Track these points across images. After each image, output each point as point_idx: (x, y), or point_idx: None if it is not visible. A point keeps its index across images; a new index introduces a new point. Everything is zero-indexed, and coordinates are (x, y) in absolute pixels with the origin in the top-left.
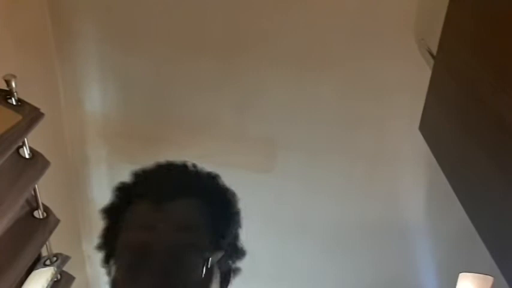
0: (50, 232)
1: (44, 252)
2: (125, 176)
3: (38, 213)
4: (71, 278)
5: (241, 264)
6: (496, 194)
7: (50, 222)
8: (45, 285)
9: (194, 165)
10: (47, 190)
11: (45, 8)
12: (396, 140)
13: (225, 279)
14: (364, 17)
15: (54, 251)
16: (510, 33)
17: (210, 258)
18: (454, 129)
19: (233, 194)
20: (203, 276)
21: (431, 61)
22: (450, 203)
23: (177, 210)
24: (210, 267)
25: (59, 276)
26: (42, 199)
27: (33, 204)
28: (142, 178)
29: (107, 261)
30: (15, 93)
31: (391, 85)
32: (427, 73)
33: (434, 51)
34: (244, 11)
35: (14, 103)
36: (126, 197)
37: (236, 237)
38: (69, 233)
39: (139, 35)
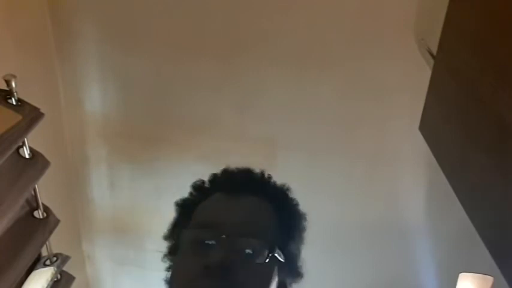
0: (50, 232)
1: (44, 252)
2: (125, 176)
3: (38, 213)
4: (71, 278)
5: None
6: (496, 194)
7: (50, 222)
8: (45, 285)
9: (270, 176)
10: (47, 190)
11: (45, 8)
12: (396, 140)
13: None
14: (364, 17)
15: (54, 251)
16: (510, 33)
17: (274, 251)
18: (454, 129)
19: (302, 212)
20: (265, 264)
21: (431, 61)
22: (450, 203)
23: (249, 202)
24: (272, 263)
25: (59, 276)
26: (42, 199)
27: (33, 204)
28: (222, 175)
29: (173, 252)
30: (15, 93)
31: (391, 85)
32: (427, 73)
33: (434, 51)
34: (244, 11)
35: (14, 103)
36: (202, 193)
37: (298, 253)
38: (69, 233)
39: (139, 35)
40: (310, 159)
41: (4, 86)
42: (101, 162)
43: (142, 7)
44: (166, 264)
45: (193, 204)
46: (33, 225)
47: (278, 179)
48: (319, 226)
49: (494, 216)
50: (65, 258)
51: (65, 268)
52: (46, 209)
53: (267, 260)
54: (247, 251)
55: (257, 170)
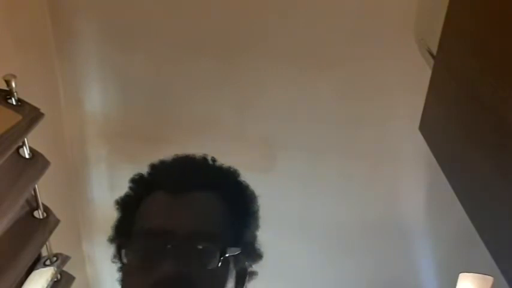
0: (50, 232)
1: (44, 252)
2: (125, 176)
3: (38, 213)
4: (71, 278)
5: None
6: (496, 194)
7: (50, 222)
8: (45, 285)
9: (213, 159)
10: (47, 190)
11: (45, 8)
12: (396, 140)
13: (240, 280)
14: (364, 17)
15: (54, 251)
16: (510, 33)
17: (227, 251)
18: (454, 129)
19: (253, 192)
20: (219, 266)
21: (431, 61)
22: (450, 203)
23: (197, 201)
24: (227, 261)
25: (59, 276)
26: (42, 199)
27: (33, 204)
28: (161, 169)
29: (119, 252)
30: (15, 93)
31: (391, 85)
32: (427, 73)
33: (434, 51)
34: (244, 11)
35: (14, 103)
36: (143, 188)
37: (254, 237)
38: (69, 233)
39: (139, 35)
40: (310, 159)
41: (4, 86)
42: (101, 162)
43: (142, 7)
44: (116, 265)
45: (136, 201)
46: (33, 225)
47: (278, 179)
48: (319, 226)
49: (494, 216)
50: (65, 258)
51: (65, 268)
52: (46, 209)
53: (223, 258)
54: (199, 257)
55: (198, 157)
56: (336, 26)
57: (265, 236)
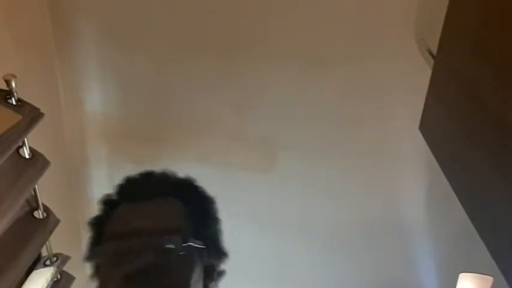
0: (50, 232)
1: (44, 252)
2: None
3: (38, 213)
4: (71, 278)
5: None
6: (496, 194)
7: (50, 222)
8: (45, 285)
9: (172, 172)
10: (47, 190)
11: (45, 8)
12: (396, 140)
13: (209, 276)
14: (364, 17)
15: (54, 251)
16: (510, 33)
17: (189, 241)
18: (454, 129)
19: (210, 197)
20: (184, 256)
21: (431, 61)
22: (450, 203)
23: (158, 205)
24: (190, 251)
25: (59, 276)
26: (42, 199)
27: (33, 204)
28: (125, 186)
29: (97, 271)
30: (15, 93)
31: (391, 85)
32: (427, 73)
33: (434, 51)
34: (244, 11)
35: (14, 103)
36: (111, 205)
37: (216, 236)
38: (69, 233)
39: (139, 35)
40: (310, 159)
41: (4, 86)
42: (101, 162)
43: (142, 7)
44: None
45: (105, 220)
46: (33, 225)
47: (278, 179)
48: (319, 226)
49: (494, 216)
50: (65, 258)
51: (65, 268)
52: (46, 209)
53: (183, 252)
54: (165, 246)
55: (158, 171)
56: (336, 26)
57: (265, 236)
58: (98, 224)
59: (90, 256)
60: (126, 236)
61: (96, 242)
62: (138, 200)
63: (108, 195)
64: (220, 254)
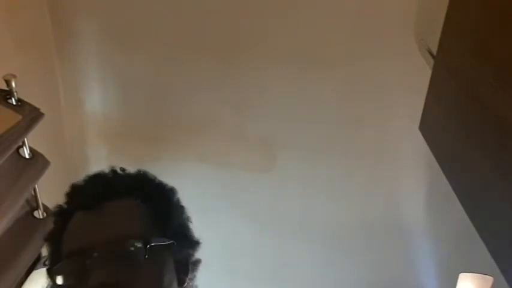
0: None
1: (44, 252)
2: None
3: (38, 213)
4: None
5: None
6: (495, 194)
7: (50, 222)
8: (45, 285)
9: (122, 169)
10: (47, 190)
11: (45, 8)
12: (396, 140)
13: (183, 269)
14: (364, 17)
15: None
16: (510, 33)
17: (152, 242)
18: (454, 129)
19: (168, 188)
20: (149, 260)
21: (431, 61)
22: (450, 203)
23: (111, 209)
24: (156, 251)
25: None
26: (42, 199)
27: (33, 204)
28: (74, 193)
29: (52, 280)
30: (15, 93)
31: (391, 85)
32: (427, 73)
33: (434, 51)
34: (244, 11)
35: (14, 103)
36: (64, 217)
37: (184, 226)
38: None
39: (139, 35)
40: (310, 159)
41: (4, 86)
42: (101, 162)
43: (142, 7)
44: None
45: (60, 234)
46: (33, 225)
47: (278, 179)
48: (319, 226)
49: (494, 216)
50: None
51: None
52: (46, 209)
53: (148, 255)
54: (126, 254)
55: (107, 170)
56: (336, 26)
57: (265, 236)
58: (54, 239)
59: (50, 276)
60: (83, 250)
61: (56, 258)
62: (90, 207)
63: (59, 206)
64: (190, 244)
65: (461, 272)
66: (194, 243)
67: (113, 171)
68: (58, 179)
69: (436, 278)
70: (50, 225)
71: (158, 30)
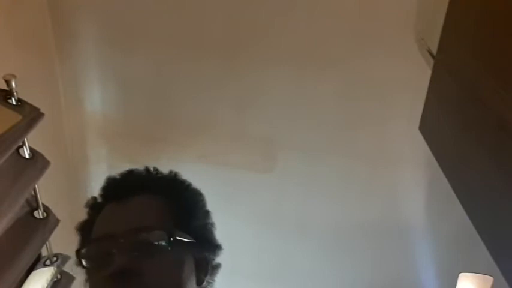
0: (50, 232)
1: (44, 252)
2: None
3: (38, 213)
4: (71, 278)
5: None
6: (496, 194)
7: (50, 222)
8: (45, 285)
9: (156, 168)
10: (47, 190)
11: (45, 8)
12: (396, 140)
13: (202, 269)
14: (364, 17)
15: (54, 251)
16: (510, 33)
17: (175, 235)
18: (454, 129)
19: (196, 191)
20: (170, 252)
21: (431, 61)
22: (450, 203)
23: (138, 203)
24: (178, 245)
25: (59, 276)
26: (42, 199)
27: (33, 204)
28: (108, 186)
29: (86, 275)
30: (15, 93)
31: (391, 85)
32: (427, 73)
33: (434, 51)
34: (244, 10)
35: (14, 103)
36: (97, 208)
37: (206, 229)
38: (69, 233)
39: (139, 35)
40: (310, 159)
41: (4, 86)
42: (100, 162)
43: (142, 7)
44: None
45: (91, 224)
46: (33, 225)
47: (278, 179)
48: (319, 226)
49: (494, 216)
50: (65, 258)
51: (65, 268)
52: (46, 209)
53: (170, 248)
54: (149, 243)
55: (140, 168)
56: (336, 26)
57: (265, 236)
58: (85, 229)
59: (77, 258)
60: (109, 236)
61: (83, 243)
62: (120, 199)
63: (93, 198)
64: (212, 247)
65: (461, 272)
66: (215, 247)
67: (147, 169)
68: (58, 179)
69: (436, 278)
70: (52, 222)
71: (158, 30)
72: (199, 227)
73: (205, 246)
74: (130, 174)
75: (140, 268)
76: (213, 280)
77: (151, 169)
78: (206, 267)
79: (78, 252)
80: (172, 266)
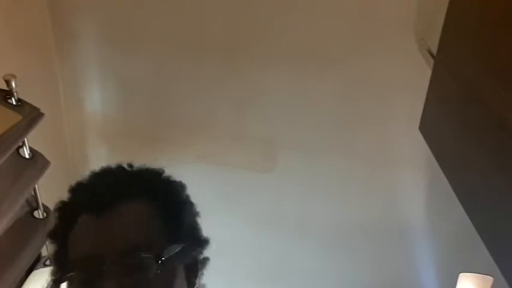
0: None
1: (44, 252)
2: None
3: (38, 213)
4: None
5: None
6: (495, 194)
7: (50, 222)
8: (45, 285)
9: (130, 165)
10: (47, 190)
11: (45, 8)
12: (396, 140)
13: (192, 271)
14: (365, 17)
15: None
16: (510, 33)
17: (164, 255)
18: (454, 129)
19: (177, 184)
20: (159, 273)
21: (431, 61)
22: (450, 203)
23: (121, 215)
24: (167, 262)
25: None
26: (42, 199)
27: (33, 204)
28: (80, 191)
29: (57, 285)
30: (15, 93)
31: (391, 85)
32: (427, 73)
33: (434, 51)
34: (244, 10)
35: (14, 103)
36: (68, 214)
37: (193, 226)
38: None
39: (139, 35)
40: (310, 159)
41: (4, 86)
42: (100, 162)
43: (142, 7)
44: None
45: (65, 229)
46: (33, 225)
47: (278, 179)
48: (319, 226)
49: (494, 216)
50: None
51: None
52: (46, 209)
53: (160, 267)
54: (138, 266)
55: (113, 166)
56: (336, 26)
57: (265, 236)
58: (58, 238)
59: (59, 281)
60: (93, 260)
61: (61, 259)
62: (98, 211)
63: (62, 201)
64: (200, 243)
65: (461, 272)
66: (203, 243)
67: (120, 167)
68: (58, 179)
69: (436, 278)
70: (52, 222)
71: (158, 30)
72: (186, 227)
73: (194, 247)
74: (102, 177)
75: (126, 278)
76: (202, 274)
77: (126, 166)
78: (196, 269)
79: (56, 278)
80: (162, 283)
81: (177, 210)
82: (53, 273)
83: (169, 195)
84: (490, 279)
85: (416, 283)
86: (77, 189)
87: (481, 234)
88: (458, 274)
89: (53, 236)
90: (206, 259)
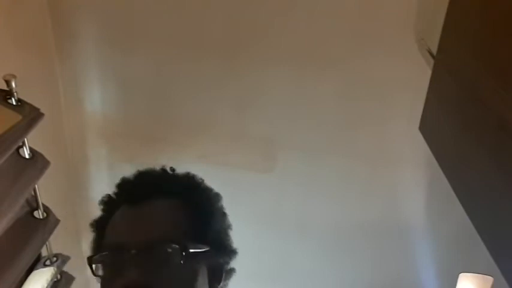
0: (50, 232)
1: (44, 252)
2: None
3: (38, 213)
4: (71, 278)
5: (234, 265)
6: (496, 194)
7: (50, 222)
8: (45, 285)
9: (172, 169)
10: (47, 190)
11: (45, 8)
12: (396, 140)
13: (215, 276)
14: (364, 17)
15: (54, 251)
16: (510, 33)
17: (189, 248)
18: (454, 129)
19: (213, 193)
20: (183, 265)
21: (431, 61)
22: (450, 203)
23: (155, 208)
24: (191, 257)
25: (59, 276)
26: (42, 199)
27: (33, 204)
28: (124, 185)
29: (91, 267)
30: (15, 93)
31: (391, 85)
32: (427, 73)
33: (434, 51)
34: (244, 10)
35: (14, 103)
36: (112, 207)
37: (222, 234)
38: (69, 233)
39: (139, 35)
40: (310, 159)
41: (4, 86)
42: (101, 162)
43: (142, 7)
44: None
45: (106, 221)
46: (33, 225)
47: (278, 179)
48: (319, 226)
49: (494, 216)
50: (65, 258)
51: (65, 268)
52: (46, 209)
53: (183, 261)
54: (162, 257)
55: (158, 168)
56: (336, 26)
57: (265, 236)
58: (100, 226)
59: (90, 262)
60: (122, 246)
61: (99, 244)
62: (134, 203)
63: (108, 195)
64: (227, 252)
65: (461, 272)
66: (230, 252)
67: (163, 170)
68: (58, 179)
69: (436, 278)
70: (53, 221)
71: (158, 30)
72: (215, 232)
73: (220, 253)
74: (146, 175)
75: (151, 282)
76: (226, 284)
77: (168, 169)
78: (220, 275)
79: (89, 258)
80: (184, 279)
81: (209, 215)
82: (89, 260)
83: (204, 200)
84: (490, 279)
85: (416, 283)
86: (121, 184)
87: (481, 234)
88: (458, 274)
89: (94, 225)
90: (232, 270)
